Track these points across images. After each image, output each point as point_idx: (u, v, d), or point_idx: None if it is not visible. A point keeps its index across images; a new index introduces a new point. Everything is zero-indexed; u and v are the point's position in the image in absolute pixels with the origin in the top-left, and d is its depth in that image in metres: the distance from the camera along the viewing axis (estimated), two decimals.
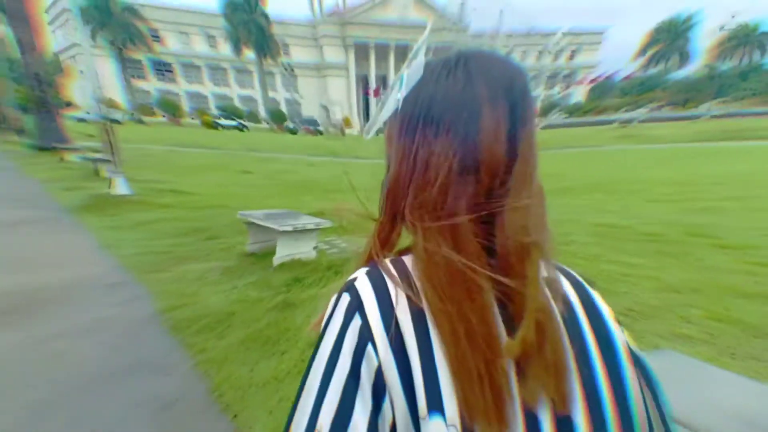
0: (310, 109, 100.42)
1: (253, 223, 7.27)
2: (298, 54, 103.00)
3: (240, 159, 25.85)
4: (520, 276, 0.72)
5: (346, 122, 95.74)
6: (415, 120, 0.79)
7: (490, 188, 0.77)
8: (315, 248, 7.03)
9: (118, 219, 9.71)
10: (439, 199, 0.77)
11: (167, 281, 6.13)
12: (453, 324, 0.70)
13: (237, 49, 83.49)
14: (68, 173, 16.75)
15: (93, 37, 68.25)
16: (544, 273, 0.76)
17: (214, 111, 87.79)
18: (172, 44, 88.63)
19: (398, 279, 0.78)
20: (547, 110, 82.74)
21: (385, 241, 0.87)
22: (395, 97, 0.82)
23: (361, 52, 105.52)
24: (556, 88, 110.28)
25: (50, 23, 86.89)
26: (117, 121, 63.68)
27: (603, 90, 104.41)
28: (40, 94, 24.54)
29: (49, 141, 23.71)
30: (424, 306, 0.74)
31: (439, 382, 0.68)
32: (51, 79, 25.62)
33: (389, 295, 0.75)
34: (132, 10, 72.87)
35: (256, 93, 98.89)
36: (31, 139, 25.66)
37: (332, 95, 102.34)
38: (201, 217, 9.89)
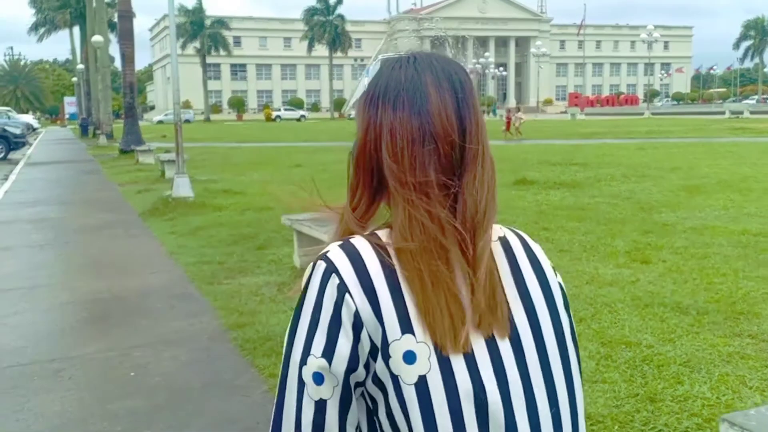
0: None
1: (299, 230, 6.82)
2: (369, 47, 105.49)
3: (292, 152, 25.39)
4: (477, 237, 0.90)
5: None
6: (377, 98, 0.95)
7: (450, 160, 0.91)
8: None
9: (179, 224, 9.80)
10: (411, 165, 0.90)
11: (225, 296, 6.01)
12: (422, 277, 0.87)
13: (311, 46, 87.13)
14: (141, 175, 17.34)
15: (183, 47, 73.17)
16: (499, 232, 1.00)
17: (279, 104, 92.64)
18: (249, 48, 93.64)
19: (370, 241, 0.92)
20: (651, 97, 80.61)
21: (363, 216, 0.98)
22: (363, 83, 1.18)
23: (437, 42, 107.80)
24: (658, 76, 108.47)
25: (151, 39, 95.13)
26: (188, 121, 67.00)
27: (705, 80, 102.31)
28: (130, 101, 26.69)
29: (130, 144, 24.84)
30: (395, 264, 0.89)
31: (410, 317, 0.86)
32: (142, 86, 27.29)
33: (362, 258, 0.90)
34: (221, 22, 79.89)
35: (321, 84, 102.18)
36: (118, 143, 26.93)
37: None
38: (249, 222, 9.72)
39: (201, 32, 76.98)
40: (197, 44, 78.08)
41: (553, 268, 1.02)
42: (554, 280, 1.00)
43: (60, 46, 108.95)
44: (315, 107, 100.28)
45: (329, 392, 0.87)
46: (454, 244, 0.89)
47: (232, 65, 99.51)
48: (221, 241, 8.43)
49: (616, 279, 6.18)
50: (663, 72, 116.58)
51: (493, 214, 0.93)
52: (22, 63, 79.88)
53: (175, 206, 11.13)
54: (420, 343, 0.86)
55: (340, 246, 0.92)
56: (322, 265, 0.90)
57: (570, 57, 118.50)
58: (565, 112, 79.59)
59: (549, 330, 0.94)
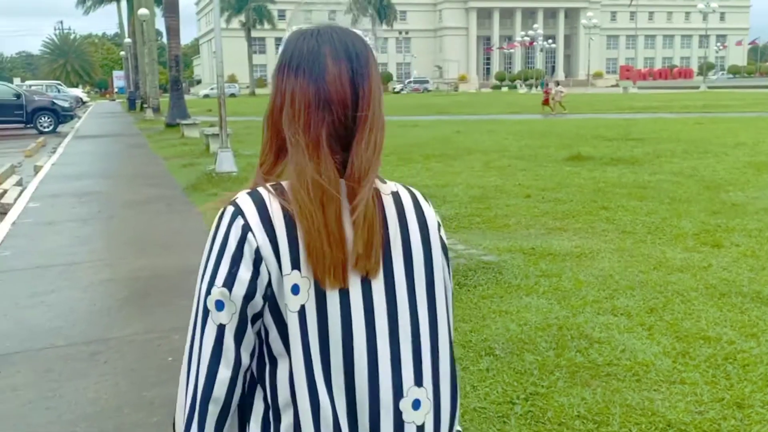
0: (421, 69, 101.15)
1: None
2: (415, 18, 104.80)
3: None
4: (360, 190, 1.02)
5: (462, 78, 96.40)
6: (283, 66, 1.07)
7: (344, 122, 1.03)
8: None
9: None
10: (306, 126, 1.02)
11: None
12: (308, 223, 0.99)
13: (355, 19, 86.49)
14: (186, 149, 17.24)
15: (228, 21, 73.18)
16: (393, 188, 1.12)
17: None
18: (294, 21, 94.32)
19: (273, 190, 1.04)
20: (707, 70, 77.65)
21: (268, 171, 1.10)
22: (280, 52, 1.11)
23: (484, 13, 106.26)
24: (713, 48, 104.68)
25: (197, 13, 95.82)
26: (233, 95, 67.39)
27: (762, 53, 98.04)
28: (176, 74, 26.77)
29: (175, 118, 24.86)
30: (294, 209, 1.00)
31: (299, 255, 0.99)
32: (189, 60, 27.39)
33: (265, 204, 1.02)
34: None
35: None
36: (164, 117, 27.06)
37: (448, 54, 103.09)
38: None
39: (246, 6, 76.82)
40: (242, 18, 78.02)
41: (438, 222, 1.15)
42: (435, 231, 1.12)
43: (108, 19, 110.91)
44: None
45: (228, 318, 0.98)
46: (344, 196, 1.01)
47: (277, 39, 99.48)
48: None
49: (686, 264, 5.70)
50: (718, 44, 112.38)
51: (374, 172, 1.04)
52: (71, 37, 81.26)
53: (218, 181, 10.96)
54: (304, 277, 0.99)
55: (248, 194, 1.05)
56: (230, 209, 1.03)
57: (621, 29, 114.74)
58: (617, 86, 77.35)
59: (420, 273, 1.08)
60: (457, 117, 29.17)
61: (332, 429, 1.01)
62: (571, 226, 7.33)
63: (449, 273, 1.16)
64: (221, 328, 0.98)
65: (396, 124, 24.84)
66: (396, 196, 1.10)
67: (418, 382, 1.07)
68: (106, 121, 33.32)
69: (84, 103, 50.01)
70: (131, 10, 45.94)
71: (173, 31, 26.50)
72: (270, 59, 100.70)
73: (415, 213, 1.10)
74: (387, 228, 1.05)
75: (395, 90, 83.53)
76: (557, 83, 34.12)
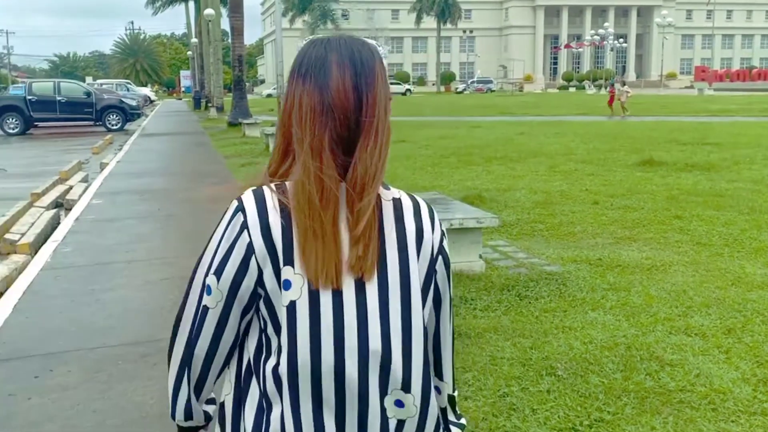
0: (484, 69, 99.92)
1: None
2: (480, 17, 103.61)
3: (397, 126, 24.64)
4: (363, 196, 1.05)
5: (527, 78, 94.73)
6: (294, 73, 1.12)
7: (347, 127, 1.07)
8: (480, 256, 5.76)
9: None
10: (311, 129, 1.06)
11: None
12: (305, 224, 1.04)
13: (419, 18, 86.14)
14: (246, 148, 17.38)
15: (291, 21, 73.90)
16: (395, 195, 1.15)
17: None
18: (356, 21, 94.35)
19: (275, 189, 1.10)
20: None
21: (274, 172, 1.15)
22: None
23: (552, 11, 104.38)
24: None
25: (262, 14, 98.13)
26: None
27: None
28: (239, 74, 27.28)
29: (237, 117, 25.24)
30: (292, 207, 1.06)
31: (293, 252, 1.04)
32: (253, 60, 27.99)
33: (265, 202, 1.08)
34: None
35: (428, 57, 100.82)
36: (227, 116, 27.55)
37: (513, 53, 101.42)
38: None
39: (309, 6, 77.55)
40: (306, 18, 78.85)
41: (442, 232, 1.18)
42: (429, 239, 1.15)
43: (177, 20, 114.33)
44: (421, 81, 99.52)
45: (213, 303, 1.09)
46: (343, 199, 1.07)
47: None
48: None
49: (767, 281, 5.27)
50: None
51: (379, 179, 1.09)
52: (141, 37, 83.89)
53: None
54: (297, 274, 1.05)
55: (253, 191, 1.11)
56: (234, 205, 1.10)
57: (697, 28, 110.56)
58: (691, 87, 74.32)
59: (415, 277, 1.12)
60: (521, 118, 28.57)
61: (313, 428, 1.05)
62: (641, 236, 6.91)
63: (448, 282, 1.19)
64: (205, 310, 1.10)
65: (456, 125, 24.50)
66: (397, 202, 1.14)
67: (406, 387, 1.10)
68: (172, 120, 34.22)
69: (152, 101, 51.63)
70: (198, 11, 47.11)
71: (237, 31, 27.00)
72: None
73: (414, 220, 1.14)
74: (383, 233, 1.09)
75: (457, 90, 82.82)
76: (623, 83, 32.79)
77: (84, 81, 43.54)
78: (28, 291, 5.55)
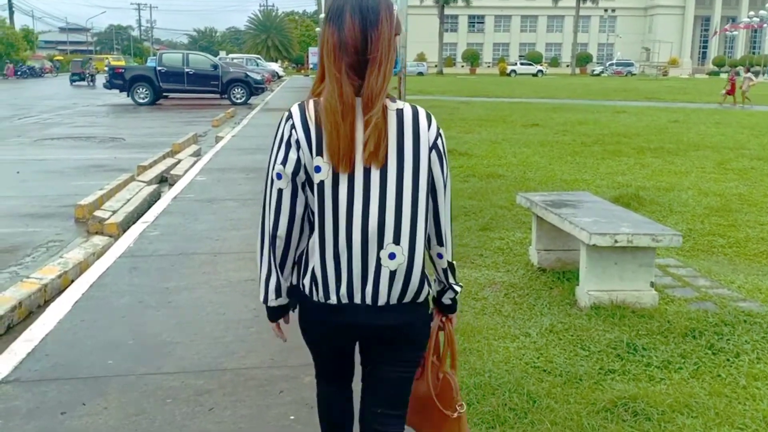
0: (625, 50, 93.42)
1: (539, 217, 4.97)
2: None
3: (528, 109, 22.33)
4: (371, 106, 1.53)
5: (673, 61, 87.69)
6: (326, 18, 1.58)
7: (358, 60, 1.53)
8: (652, 284, 4.31)
9: None
10: (334, 61, 1.54)
11: None
12: (329, 125, 1.53)
13: None
14: None
15: None
16: (399, 106, 1.60)
17: (515, 58, 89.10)
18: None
19: (312, 103, 1.60)
20: None
21: (314, 91, 1.63)
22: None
23: None
24: None
25: None
26: (421, 74, 66.76)
27: None
28: None
29: None
30: (321, 115, 1.55)
31: (323, 146, 1.55)
32: None
33: (306, 111, 1.59)
34: None
35: (563, 37, 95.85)
36: None
37: (658, 35, 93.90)
38: (473, 193, 7.98)
39: None
40: None
41: (438, 132, 1.66)
42: (425, 138, 1.61)
43: None
44: (554, 62, 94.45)
45: (285, 185, 1.61)
46: (359, 109, 1.54)
47: (470, 16, 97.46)
48: None
49: None
50: None
51: (383, 95, 1.55)
52: (273, 14, 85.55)
53: None
54: (325, 162, 1.56)
55: (297, 105, 1.63)
56: (285, 114, 1.63)
57: None
58: None
59: (409, 166, 1.58)
60: (671, 104, 25.79)
61: (334, 274, 1.63)
62: None
63: (442, 170, 1.66)
64: (280, 192, 1.61)
65: (596, 109, 22.26)
66: (399, 111, 1.59)
67: (396, 240, 1.60)
68: (296, 95, 34.03)
69: (280, 77, 52.15)
70: None
71: None
72: (461, 38, 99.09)
73: (412, 124, 1.60)
74: (388, 133, 1.56)
75: (594, 72, 78.15)
76: (748, 69, 29.07)
77: (217, 56, 44.56)
78: (97, 284, 4.77)
